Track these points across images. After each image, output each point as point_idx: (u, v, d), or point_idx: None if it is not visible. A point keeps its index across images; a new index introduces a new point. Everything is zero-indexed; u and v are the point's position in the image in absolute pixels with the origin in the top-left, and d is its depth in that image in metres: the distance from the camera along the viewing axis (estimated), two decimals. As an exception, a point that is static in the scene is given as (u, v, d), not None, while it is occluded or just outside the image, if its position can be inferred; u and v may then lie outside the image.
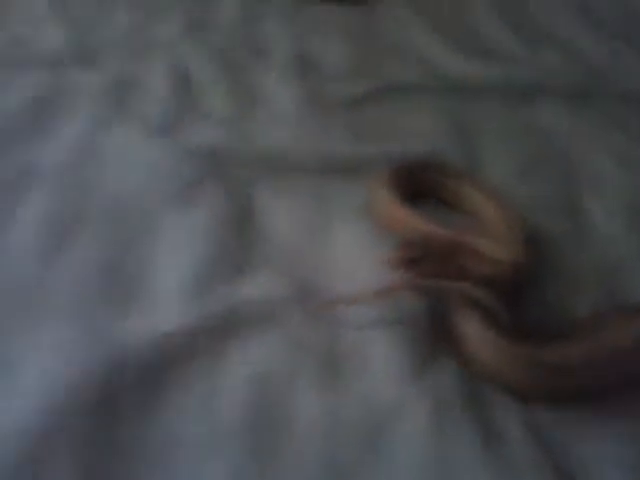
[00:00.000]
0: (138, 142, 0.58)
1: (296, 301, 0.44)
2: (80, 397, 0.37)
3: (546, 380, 0.38)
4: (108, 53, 0.72)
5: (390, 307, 0.43)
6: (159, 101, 0.64)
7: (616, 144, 0.62)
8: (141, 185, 0.53)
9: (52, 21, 0.80)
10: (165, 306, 0.43)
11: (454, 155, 0.59)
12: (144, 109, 0.63)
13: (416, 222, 0.48)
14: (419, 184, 0.53)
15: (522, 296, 0.44)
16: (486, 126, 0.63)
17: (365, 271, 0.46)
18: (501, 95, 0.68)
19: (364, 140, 0.60)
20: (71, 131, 0.59)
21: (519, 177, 0.57)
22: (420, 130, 0.62)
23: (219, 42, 0.75)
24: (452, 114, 0.65)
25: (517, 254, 0.44)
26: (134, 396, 0.38)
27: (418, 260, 0.41)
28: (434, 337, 0.41)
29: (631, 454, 0.35)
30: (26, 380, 0.38)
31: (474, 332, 0.39)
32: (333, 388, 0.38)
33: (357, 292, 0.42)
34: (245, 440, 0.35)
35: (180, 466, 0.34)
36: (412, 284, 0.42)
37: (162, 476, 0.33)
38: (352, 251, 0.48)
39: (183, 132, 0.60)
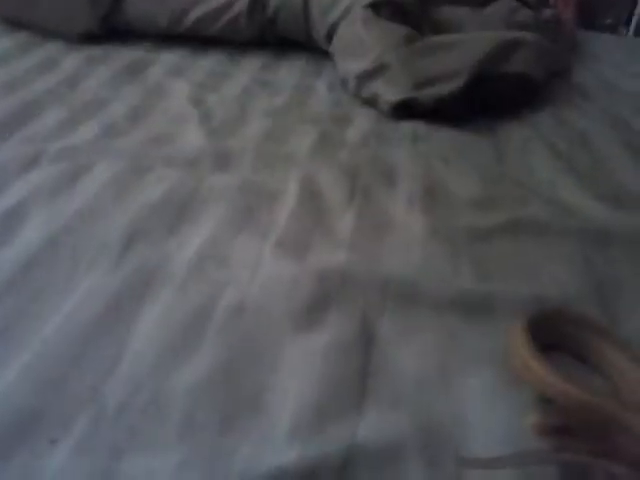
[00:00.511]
0: (265, 254, 0.58)
1: (418, 447, 0.41)
2: None
3: None
4: (243, 159, 0.75)
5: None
6: (288, 214, 0.64)
7: None
8: (265, 299, 0.53)
9: (192, 123, 0.84)
10: (280, 438, 0.41)
11: (588, 304, 0.55)
12: (273, 220, 0.63)
13: (554, 380, 0.43)
14: (556, 335, 0.50)
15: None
16: (624, 278, 0.59)
17: (499, 425, 0.42)
18: (638, 245, 0.64)
19: (493, 278, 0.58)
20: (202, 233, 0.60)
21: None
22: (552, 273, 0.59)
23: (349, 161, 0.76)
24: (587, 260, 0.61)
25: None
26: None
27: (568, 430, 0.36)
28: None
29: None
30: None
31: None
32: None
33: (493, 454, 0.38)
34: None
35: None
36: (561, 457, 0.37)
37: None
38: (485, 399, 0.45)
39: (310, 250, 0.59)
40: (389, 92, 0.89)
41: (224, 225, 0.62)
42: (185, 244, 0.59)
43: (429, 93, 0.87)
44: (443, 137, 0.85)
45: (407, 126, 0.87)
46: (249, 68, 1.06)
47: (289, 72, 1.05)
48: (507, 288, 0.56)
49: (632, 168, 0.80)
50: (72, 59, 1.05)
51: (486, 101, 0.91)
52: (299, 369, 0.46)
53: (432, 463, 0.40)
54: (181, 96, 0.92)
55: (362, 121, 0.88)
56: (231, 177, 0.70)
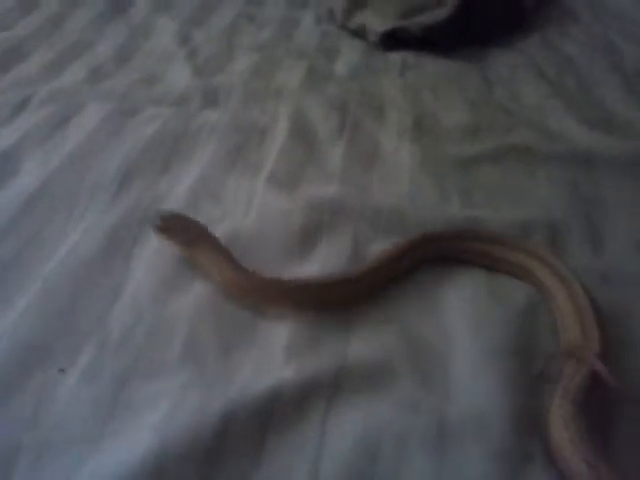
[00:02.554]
0: (257, 189, 0.60)
1: (407, 361, 0.43)
2: (191, 443, 0.37)
3: None
4: (231, 95, 0.75)
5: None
6: (279, 149, 0.65)
7: None
8: (258, 230, 0.54)
9: (179, 61, 0.84)
10: (276, 359, 0.43)
11: (572, 226, 0.57)
12: (264, 155, 0.64)
13: None
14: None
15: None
16: (607, 199, 0.61)
17: (483, 341, 0.45)
18: (625, 169, 0.65)
19: (480, 204, 0.59)
20: (193, 171, 0.62)
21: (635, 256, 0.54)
22: (538, 197, 0.61)
23: (338, 94, 0.77)
24: (572, 184, 0.62)
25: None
26: (241, 448, 0.38)
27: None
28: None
29: None
30: (144, 425, 0.39)
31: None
32: (443, 455, 0.37)
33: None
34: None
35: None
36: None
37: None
38: (468, 318, 0.47)
39: (302, 183, 0.61)
40: (376, 22, 0.89)
41: (216, 162, 0.63)
42: (178, 181, 0.60)
43: (417, 21, 0.87)
44: (432, 67, 0.85)
45: (396, 57, 0.87)
46: (234, 1, 1.04)
47: (275, 5, 1.04)
48: (494, 213, 0.58)
49: (619, 92, 0.80)
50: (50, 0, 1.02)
51: (475, 29, 0.91)
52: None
53: (421, 379, 0.43)
54: (166, 34, 0.91)
55: (350, 53, 0.88)
56: (221, 114, 0.71)
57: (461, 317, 0.47)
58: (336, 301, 0.48)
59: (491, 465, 0.37)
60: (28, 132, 0.67)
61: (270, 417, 0.40)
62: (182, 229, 0.51)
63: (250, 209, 0.57)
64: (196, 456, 0.37)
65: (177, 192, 0.59)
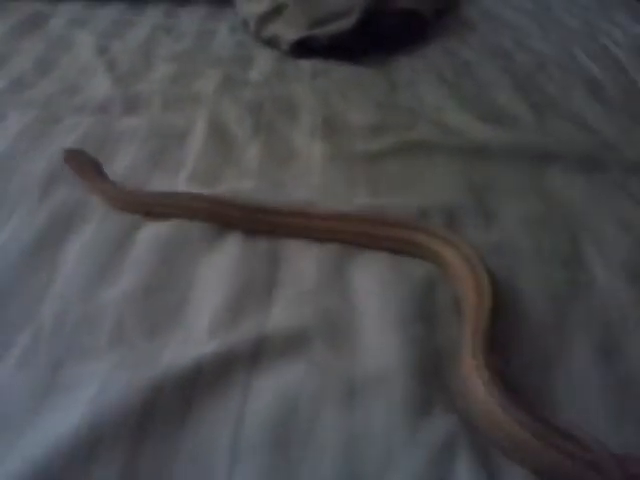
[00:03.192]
0: (178, 188, 0.63)
1: (321, 333, 0.48)
2: (122, 412, 0.41)
3: None
4: (151, 102, 0.79)
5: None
6: (198, 150, 0.69)
7: (621, 209, 0.66)
8: (180, 226, 0.58)
9: (99, 72, 0.87)
10: (199, 337, 0.47)
11: (467, 209, 0.63)
12: (184, 157, 0.68)
13: None
14: None
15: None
16: (497, 185, 0.68)
17: (390, 312, 0.50)
18: (513, 158, 0.72)
19: (385, 193, 0.65)
20: (117, 173, 0.65)
21: (525, 232, 0.61)
22: (437, 186, 0.67)
23: (252, 99, 0.82)
24: (466, 172, 0.69)
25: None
26: (170, 414, 0.42)
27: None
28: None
29: None
30: (78, 400, 0.42)
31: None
32: (353, 410, 0.42)
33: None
34: (270, 454, 0.39)
35: (208, 476, 0.38)
36: None
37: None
38: (377, 292, 0.52)
39: (220, 181, 0.65)
40: (288, 32, 0.94)
41: (138, 164, 0.67)
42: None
43: (325, 31, 0.93)
44: (340, 72, 0.91)
45: (306, 64, 0.93)
46: (151, 15, 1.08)
47: (191, 17, 1.08)
48: (396, 201, 0.64)
49: (510, 91, 0.89)
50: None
51: (379, 37, 0.98)
52: (212, 281, 0.53)
53: (334, 346, 0.48)
54: (86, 46, 0.94)
55: (264, 61, 0.93)
56: (141, 119, 0.74)
57: (368, 292, 0.53)
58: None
59: (395, 415, 0.42)
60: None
61: (195, 385, 0.43)
62: (80, 161, 0.64)
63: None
64: (128, 423, 0.40)
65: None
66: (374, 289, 0.53)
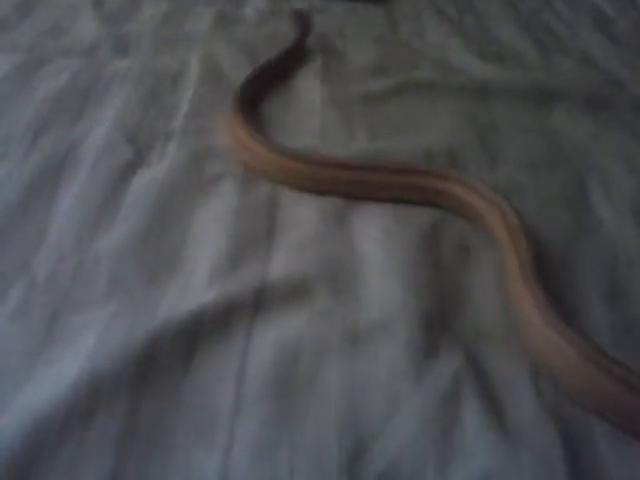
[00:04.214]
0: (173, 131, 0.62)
1: (323, 280, 0.47)
2: (122, 362, 0.40)
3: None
4: (142, 43, 0.76)
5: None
6: (192, 94, 0.67)
7: (628, 149, 0.64)
8: (177, 168, 0.56)
9: (85, 10, 0.83)
10: (199, 285, 0.46)
11: (471, 150, 0.62)
12: (178, 100, 0.66)
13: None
14: None
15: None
16: (501, 125, 0.66)
17: (392, 260, 0.49)
18: (517, 97, 0.70)
19: (385, 136, 0.63)
20: (108, 115, 0.63)
21: (530, 173, 0.59)
22: (438, 126, 0.65)
23: (247, 39, 0.78)
24: (469, 113, 0.68)
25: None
26: (170, 364, 0.41)
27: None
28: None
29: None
30: (76, 352, 0.41)
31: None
32: (356, 357, 0.42)
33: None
34: (273, 404, 0.38)
35: (210, 427, 0.37)
36: None
37: (195, 437, 0.36)
38: (378, 239, 0.51)
39: (214, 121, 0.63)
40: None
41: (130, 108, 0.64)
42: (93, 128, 0.61)
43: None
44: (338, 10, 0.88)
45: (302, 2, 0.89)
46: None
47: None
48: (397, 144, 0.62)
49: (513, 29, 0.86)
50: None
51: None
52: (212, 228, 0.51)
53: (336, 293, 0.47)
54: (70, -16, 0.89)
55: (258, -1, 0.89)
56: (132, 61, 0.72)
57: (371, 239, 0.51)
58: None
59: (400, 361, 0.42)
60: None
61: (195, 336, 0.42)
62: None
63: (165, 152, 0.59)
64: (128, 374, 0.40)
65: (93, 137, 0.60)
66: (377, 236, 0.52)
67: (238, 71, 0.71)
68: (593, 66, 0.77)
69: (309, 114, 0.66)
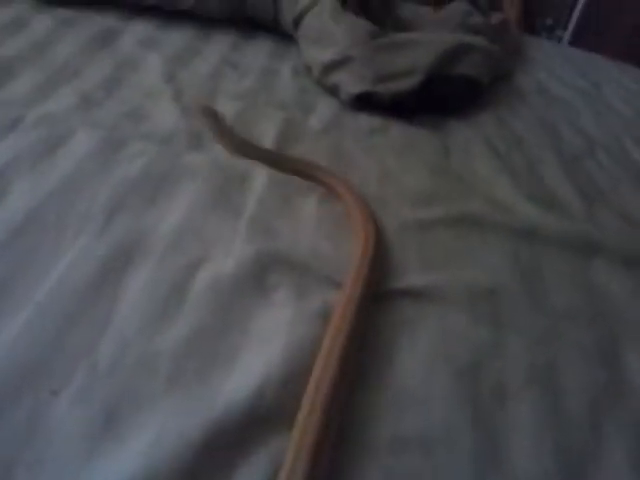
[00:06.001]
0: (238, 232, 0.65)
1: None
2: (176, 462, 0.42)
3: None
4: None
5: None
6: (258, 197, 0.71)
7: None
8: (237, 274, 0.59)
9: (166, 99, 0.89)
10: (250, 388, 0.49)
11: (513, 292, 0.65)
12: (243, 199, 0.70)
13: None
14: None
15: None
16: (545, 272, 0.69)
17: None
18: (561, 246, 0.73)
19: (434, 267, 0.66)
20: (180, 207, 0.66)
21: (569, 323, 0.62)
22: (485, 264, 0.68)
23: (310, 149, 0.83)
24: (514, 254, 0.70)
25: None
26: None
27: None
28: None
29: None
30: (132, 449, 0.43)
31: None
32: None
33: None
34: None
35: None
36: None
37: None
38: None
39: (279, 231, 0.66)
40: (351, 83, 0.96)
41: (197, 203, 0.68)
42: (164, 217, 0.64)
43: (388, 87, 0.95)
44: (396, 131, 0.93)
45: (365, 118, 0.94)
46: (219, 47, 1.10)
47: (256, 54, 1.10)
48: (445, 277, 0.65)
49: (559, 173, 0.90)
50: (40, 21, 1.05)
51: (435, 100, 1.00)
52: (267, 336, 0.53)
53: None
54: (153, 70, 0.96)
55: (324, 110, 0.95)
56: (205, 156, 0.76)
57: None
58: None
59: None
60: (17, 154, 0.69)
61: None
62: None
63: (231, 251, 0.62)
64: (181, 471, 0.42)
65: (163, 227, 0.63)
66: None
67: (301, 181, 0.75)
68: (633, 223, 0.81)
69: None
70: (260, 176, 0.74)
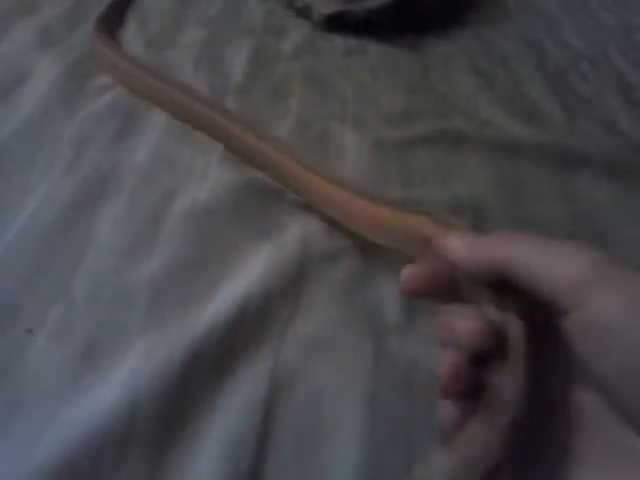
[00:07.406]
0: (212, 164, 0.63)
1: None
2: (155, 395, 0.42)
3: None
4: (184, 71, 0.77)
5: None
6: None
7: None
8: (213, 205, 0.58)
9: (130, 29, 0.85)
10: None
11: (499, 206, 0.64)
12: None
13: None
14: None
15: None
16: (528, 186, 0.68)
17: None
18: (543, 159, 0.72)
19: (415, 184, 0.65)
20: (149, 140, 0.64)
21: (554, 235, 0.61)
22: (468, 180, 0.67)
23: (282, 75, 0.80)
24: (497, 169, 0.69)
25: None
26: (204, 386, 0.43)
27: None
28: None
29: None
30: (112, 381, 0.43)
31: None
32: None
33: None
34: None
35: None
36: None
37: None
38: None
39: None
40: (322, 3, 0.92)
41: (170, 133, 0.66)
42: (135, 150, 0.62)
43: (361, 5, 0.91)
44: (373, 51, 0.89)
45: (339, 40, 0.91)
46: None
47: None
48: (428, 194, 0.64)
49: (543, 88, 0.88)
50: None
51: (414, 17, 0.96)
52: (246, 263, 0.52)
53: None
54: (115, 0, 0.91)
55: (295, 33, 0.91)
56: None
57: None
58: None
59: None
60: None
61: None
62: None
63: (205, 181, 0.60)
64: (163, 402, 0.42)
65: (133, 162, 0.61)
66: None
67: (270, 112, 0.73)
68: (617, 132, 0.79)
69: (344, 159, 0.67)
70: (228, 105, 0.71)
